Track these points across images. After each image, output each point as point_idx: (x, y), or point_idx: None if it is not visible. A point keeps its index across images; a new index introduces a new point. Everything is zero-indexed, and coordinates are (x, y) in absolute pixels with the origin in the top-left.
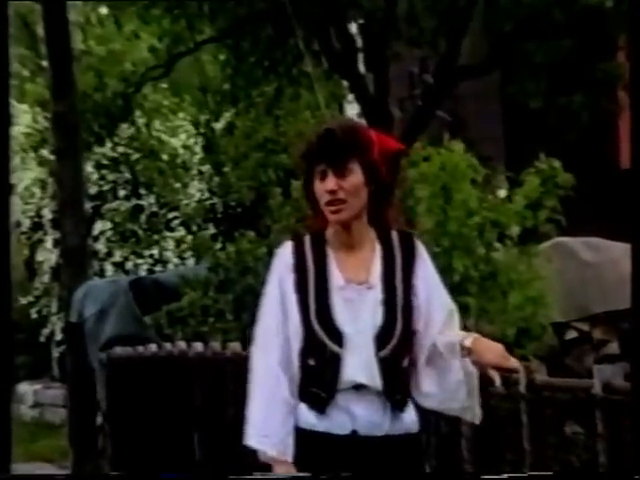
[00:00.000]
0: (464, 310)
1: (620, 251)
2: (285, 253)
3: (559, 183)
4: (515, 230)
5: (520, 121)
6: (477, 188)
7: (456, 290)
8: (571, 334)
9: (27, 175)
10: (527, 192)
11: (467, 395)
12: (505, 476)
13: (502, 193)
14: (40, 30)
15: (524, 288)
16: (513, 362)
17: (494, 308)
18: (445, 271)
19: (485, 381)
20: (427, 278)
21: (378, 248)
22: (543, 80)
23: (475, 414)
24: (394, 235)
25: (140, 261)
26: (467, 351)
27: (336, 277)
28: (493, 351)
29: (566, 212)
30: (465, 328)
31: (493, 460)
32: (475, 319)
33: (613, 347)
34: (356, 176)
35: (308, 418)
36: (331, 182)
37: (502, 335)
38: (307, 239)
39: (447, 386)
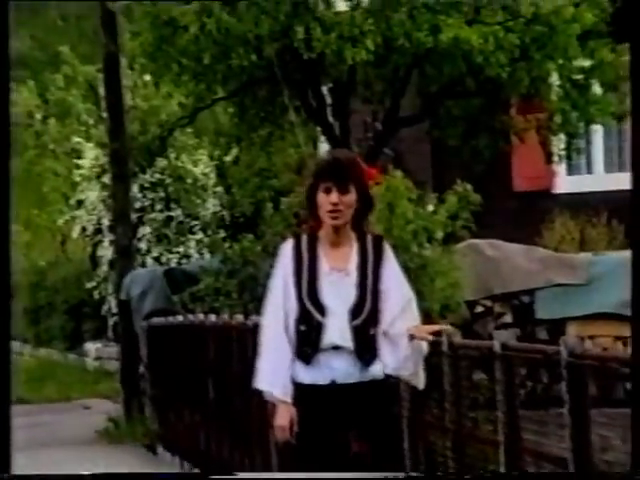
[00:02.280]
0: None
1: (513, 249)
2: (287, 248)
3: (470, 201)
4: (439, 234)
5: (443, 156)
6: (412, 204)
7: None
8: (478, 309)
9: (92, 195)
10: (448, 207)
11: (413, 367)
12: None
13: (430, 207)
14: (102, 91)
15: (446, 276)
16: (436, 327)
17: (425, 290)
18: None
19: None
20: (391, 271)
21: (356, 246)
22: (459, 127)
23: (420, 381)
24: (368, 237)
25: (171, 256)
26: (411, 335)
27: (324, 265)
28: (422, 329)
29: (475, 222)
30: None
31: (424, 398)
32: None
33: (507, 318)
34: (352, 195)
35: (299, 373)
36: (335, 197)
37: (430, 309)
38: (304, 238)
39: (398, 358)
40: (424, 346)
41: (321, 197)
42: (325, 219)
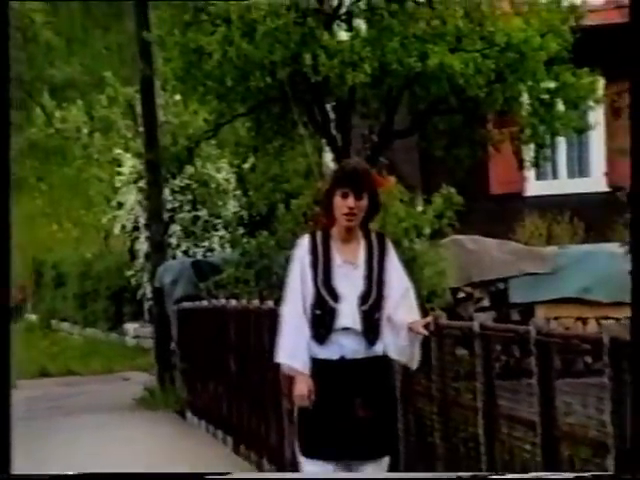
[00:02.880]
0: None
1: (490, 243)
2: (304, 243)
3: (454, 202)
4: (427, 231)
5: (430, 164)
6: (404, 205)
7: None
8: (460, 294)
9: (130, 197)
10: (434, 208)
11: (410, 354)
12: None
13: (419, 208)
14: (139, 109)
15: (433, 266)
16: (428, 319)
17: (415, 279)
18: None
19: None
20: (392, 264)
21: (363, 242)
22: (443, 139)
23: (414, 364)
24: (373, 235)
25: (197, 250)
26: (410, 329)
27: (336, 259)
28: (418, 323)
29: (458, 220)
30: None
31: (414, 371)
32: None
33: (485, 302)
34: (365, 201)
35: (315, 350)
36: (351, 201)
37: (419, 295)
38: (319, 234)
39: (397, 344)
40: (419, 337)
41: (338, 200)
42: (340, 220)
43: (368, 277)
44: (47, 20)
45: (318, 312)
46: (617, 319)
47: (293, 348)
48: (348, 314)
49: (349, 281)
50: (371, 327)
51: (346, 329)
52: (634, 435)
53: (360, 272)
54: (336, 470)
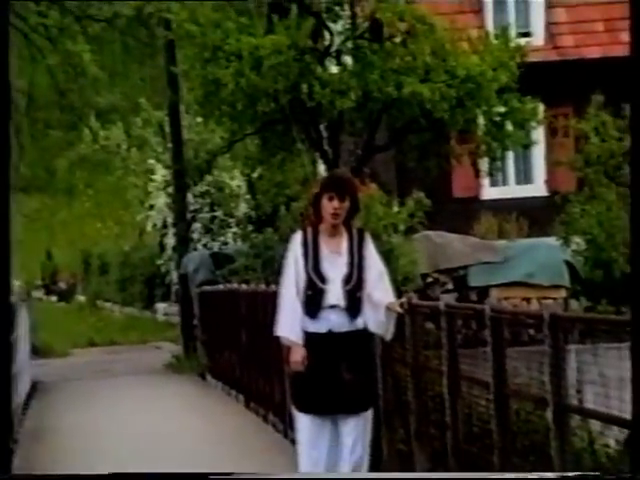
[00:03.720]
0: None
1: (453, 238)
2: (297, 237)
3: (423, 204)
4: (402, 227)
5: (404, 173)
6: (383, 206)
7: None
8: (429, 279)
9: (160, 201)
10: (408, 209)
11: (386, 328)
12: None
13: (395, 209)
14: (167, 128)
15: (407, 257)
16: (402, 300)
17: (391, 267)
18: None
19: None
20: (369, 253)
21: (346, 236)
22: (416, 153)
23: (388, 336)
24: (354, 230)
25: (215, 243)
26: (387, 307)
27: (324, 250)
28: (394, 303)
29: (427, 219)
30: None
31: (391, 342)
32: None
33: (449, 286)
34: (347, 203)
35: (307, 324)
36: (336, 203)
37: (395, 280)
38: (309, 230)
39: (375, 319)
40: (394, 315)
41: (325, 203)
42: (327, 218)
43: (350, 263)
44: (94, 58)
45: (309, 293)
46: (554, 299)
47: (289, 323)
48: (334, 294)
49: (334, 267)
50: (353, 304)
51: (333, 306)
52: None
53: (344, 259)
54: (325, 423)
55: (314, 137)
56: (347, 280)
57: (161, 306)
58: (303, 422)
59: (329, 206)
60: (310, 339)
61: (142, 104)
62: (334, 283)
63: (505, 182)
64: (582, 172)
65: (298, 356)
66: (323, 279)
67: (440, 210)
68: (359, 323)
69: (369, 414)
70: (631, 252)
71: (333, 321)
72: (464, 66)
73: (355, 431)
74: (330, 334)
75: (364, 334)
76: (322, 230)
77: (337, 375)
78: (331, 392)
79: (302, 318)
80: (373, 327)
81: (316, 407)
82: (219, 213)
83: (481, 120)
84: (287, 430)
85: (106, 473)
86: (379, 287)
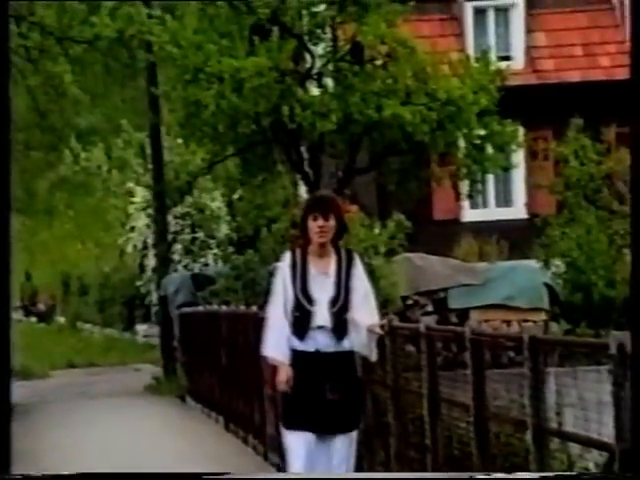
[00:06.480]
0: None
1: (433, 260)
2: (286, 258)
3: (404, 226)
4: (383, 249)
5: (385, 195)
6: (364, 228)
7: None
8: (409, 301)
9: (140, 222)
10: (388, 231)
11: (369, 348)
12: (508, 476)
13: (376, 231)
14: (148, 150)
15: (387, 278)
16: (383, 322)
17: (373, 289)
18: None
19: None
20: (357, 274)
21: (334, 257)
22: (396, 176)
23: (373, 356)
24: (343, 251)
25: (196, 265)
26: (369, 329)
27: (311, 270)
28: (375, 325)
29: (408, 241)
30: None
31: (373, 363)
32: None
33: (429, 308)
34: (332, 221)
35: (295, 344)
36: (321, 222)
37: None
38: (298, 251)
39: (360, 343)
40: (376, 336)
41: (311, 223)
42: (313, 238)
43: (337, 284)
44: (75, 79)
45: (297, 314)
46: (534, 321)
47: (276, 343)
48: (321, 315)
49: (322, 288)
50: (340, 325)
51: (320, 327)
52: (634, 435)
53: (331, 280)
54: (312, 440)
55: (295, 159)
56: (334, 302)
57: (141, 328)
58: (290, 439)
59: (314, 225)
60: (298, 357)
61: (123, 125)
62: (321, 304)
63: (485, 205)
64: (562, 195)
65: (284, 376)
66: (310, 301)
67: (420, 232)
68: (345, 344)
69: (354, 435)
70: (632, 276)
71: (320, 342)
72: (445, 89)
73: (340, 452)
74: (317, 353)
75: (350, 355)
76: (310, 251)
77: (323, 394)
78: (317, 411)
79: (290, 338)
80: (357, 348)
81: (302, 425)
82: (200, 234)
83: (461, 143)
84: (267, 453)
85: (105, 471)
86: (363, 309)
